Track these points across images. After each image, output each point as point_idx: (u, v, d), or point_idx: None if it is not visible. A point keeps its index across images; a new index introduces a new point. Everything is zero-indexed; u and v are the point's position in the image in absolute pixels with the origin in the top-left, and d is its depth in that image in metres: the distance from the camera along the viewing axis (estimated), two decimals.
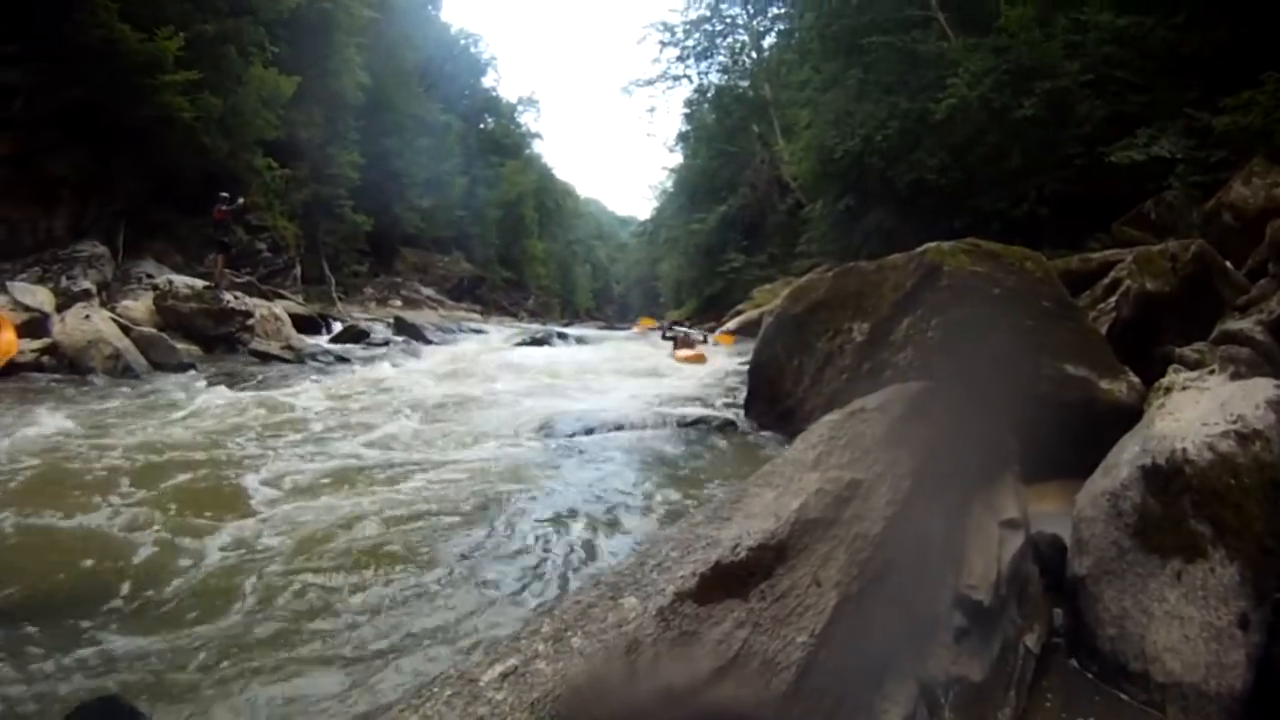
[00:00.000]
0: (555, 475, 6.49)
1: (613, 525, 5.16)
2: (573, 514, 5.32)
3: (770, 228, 36.11)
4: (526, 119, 74.70)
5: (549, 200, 75.12)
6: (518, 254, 63.56)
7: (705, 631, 2.00)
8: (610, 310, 76.35)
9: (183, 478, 5.97)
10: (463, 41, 64.40)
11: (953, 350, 5.95)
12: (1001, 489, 3.40)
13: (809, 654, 2.10)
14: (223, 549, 4.44)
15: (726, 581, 2.17)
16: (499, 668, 1.80)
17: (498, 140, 66.76)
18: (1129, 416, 4.52)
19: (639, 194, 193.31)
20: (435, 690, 1.76)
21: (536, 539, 4.80)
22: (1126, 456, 3.39)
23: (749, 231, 38.18)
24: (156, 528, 4.74)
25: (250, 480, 6.03)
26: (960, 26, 19.55)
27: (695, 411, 9.11)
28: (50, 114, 17.12)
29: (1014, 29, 16.90)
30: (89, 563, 4.17)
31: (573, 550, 4.61)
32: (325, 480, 6.17)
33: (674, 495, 5.86)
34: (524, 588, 4.07)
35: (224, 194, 17.97)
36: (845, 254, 18.77)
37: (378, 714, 1.78)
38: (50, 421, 7.59)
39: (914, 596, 2.69)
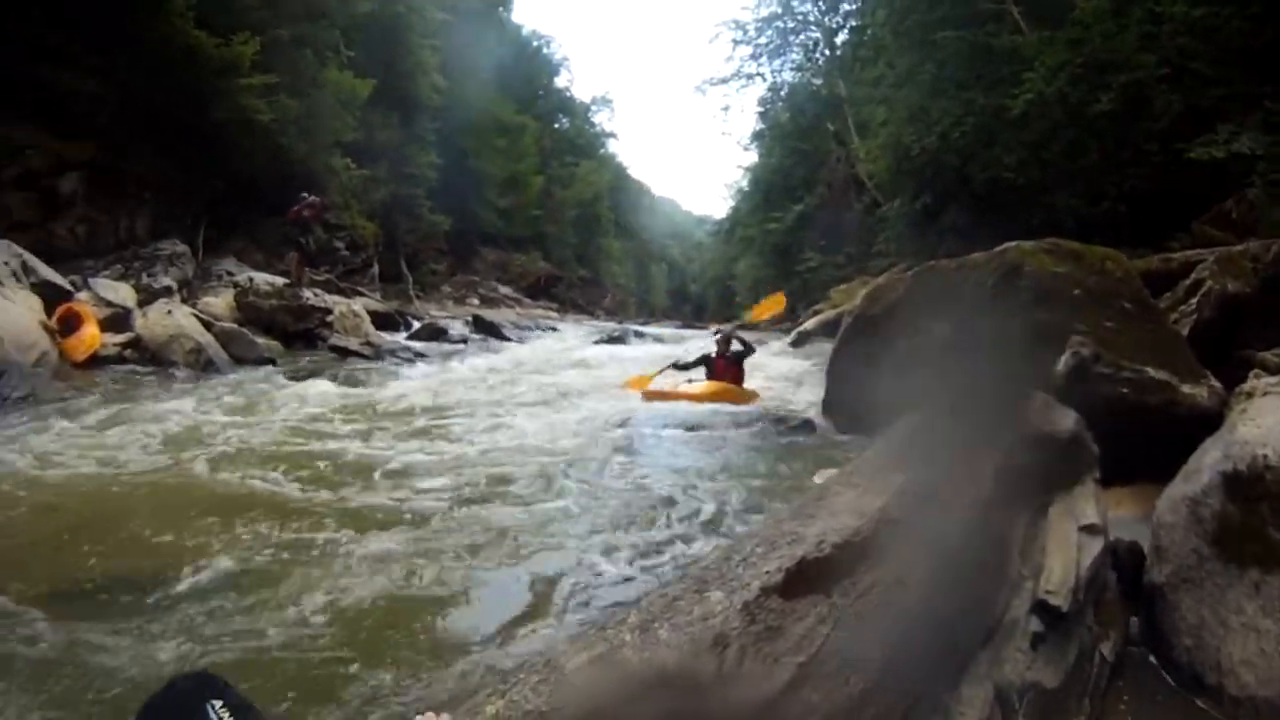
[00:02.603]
0: (636, 472, 6.54)
1: (692, 521, 5.19)
2: (653, 510, 5.38)
3: (847, 227, 35.68)
4: (600, 119, 74.88)
5: (625, 199, 75.29)
6: (594, 253, 63.66)
7: (789, 627, 2.02)
8: (686, 309, 76.18)
9: (268, 462, 6.21)
10: (535, 43, 64.45)
11: (1033, 352, 5.82)
12: (1081, 494, 3.35)
13: (889, 653, 2.10)
14: (308, 530, 4.63)
15: (811, 578, 2.18)
16: (585, 655, 1.84)
17: (572, 140, 66.95)
18: (1210, 421, 4.38)
19: (714, 193, 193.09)
20: (522, 676, 1.80)
21: (619, 535, 4.85)
22: (1208, 462, 3.32)
23: (826, 231, 37.74)
24: (249, 509, 4.94)
25: (334, 464, 6.32)
26: (1033, 19, 18.90)
27: (773, 411, 9.07)
28: (130, 120, 17.51)
29: (1088, 20, 16.30)
30: (172, 540, 4.38)
31: (655, 546, 4.64)
32: (412, 466, 6.39)
33: (752, 494, 5.87)
34: (605, 583, 4.10)
35: (304, 194, 18.36)
36: (922, 254, 18.41)
37: (464, 698, 1.79)
38: (140, 409, 7.94)
39: (993, 600, 2.69)
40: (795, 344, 22.06)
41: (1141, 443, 4.48)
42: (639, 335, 26.30)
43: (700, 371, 10.91)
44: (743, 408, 9.86)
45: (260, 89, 19.64)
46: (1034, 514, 3.12)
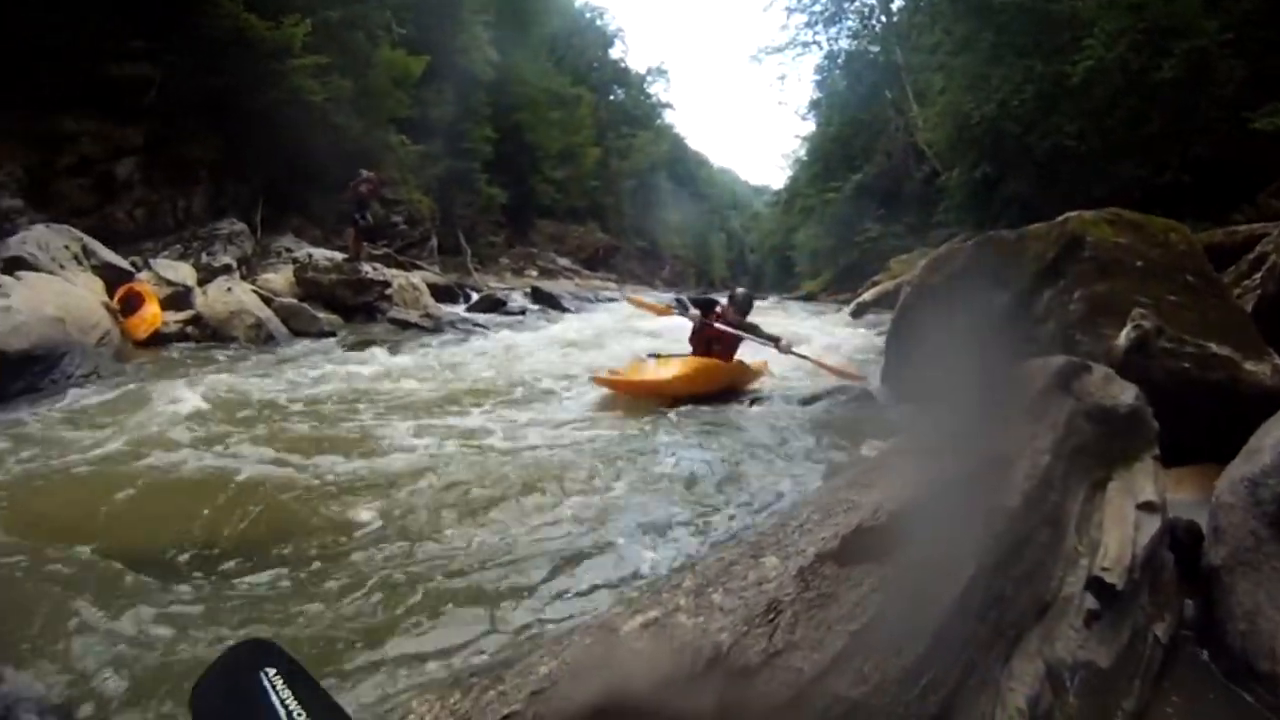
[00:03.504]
0: (694, 440, 6.63)
1: (749, 487, 5.27)
2: (710, 476, 5.48)
3: (906, 196, 35.39)
4: (656, 89, 75.09)
5: (682, 169, 75.28)
6: (652, 223, 63.65)
7: (843, 594, 2.01)
8: (745, 279, 76.17)
9: (330, 429, 6.54)
10: (588, 15, 64.72)
11: (1094, 325, 5.77)
12: (1141, 471, 3.28)
13: (943, 623, 2.09)
14: (368, 499, 4.74)
15: (866, 545, 2.17)
16: (640, 619, 1.85)
17: (628, 111, 67.11)
18: (1273, 400, 4.34)
19: (772, 163, 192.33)
20: (576, 638, 1.83)
21: (676, 499, 4.95)
22: (1269, 441, 3.21)
23: (885, 200, 37.48)
24: (312, 477, 5.13)
25: (391, 431, 6.50)
26: None
27: (832, 381, 9.02)
28: (183, 102, 17.80)
29: None
30: (228, 510, 4.50)
31: (708, 519, 4.65)
32: (470, 433, 6.60)
33: (809, 463, 5.92)
34: (663, 544, 4.16)
35: (361, 171, 18.63)
36: (983, 224, 18.21)
37: (518, 659, 1.81)
38: (198, 384, 8.11)
39: (1048, 574, 2.65)
40: (855, 315, 22.01)
41: (1204, 421, 4.42)
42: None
43: (692, 322, 9.31)
44: (753, 386, 9.22)
45: (313, 69, 19.94)
46: (1091, 489, 3.06)
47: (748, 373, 9.24)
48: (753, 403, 8.34)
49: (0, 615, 3.18)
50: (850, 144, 43.84)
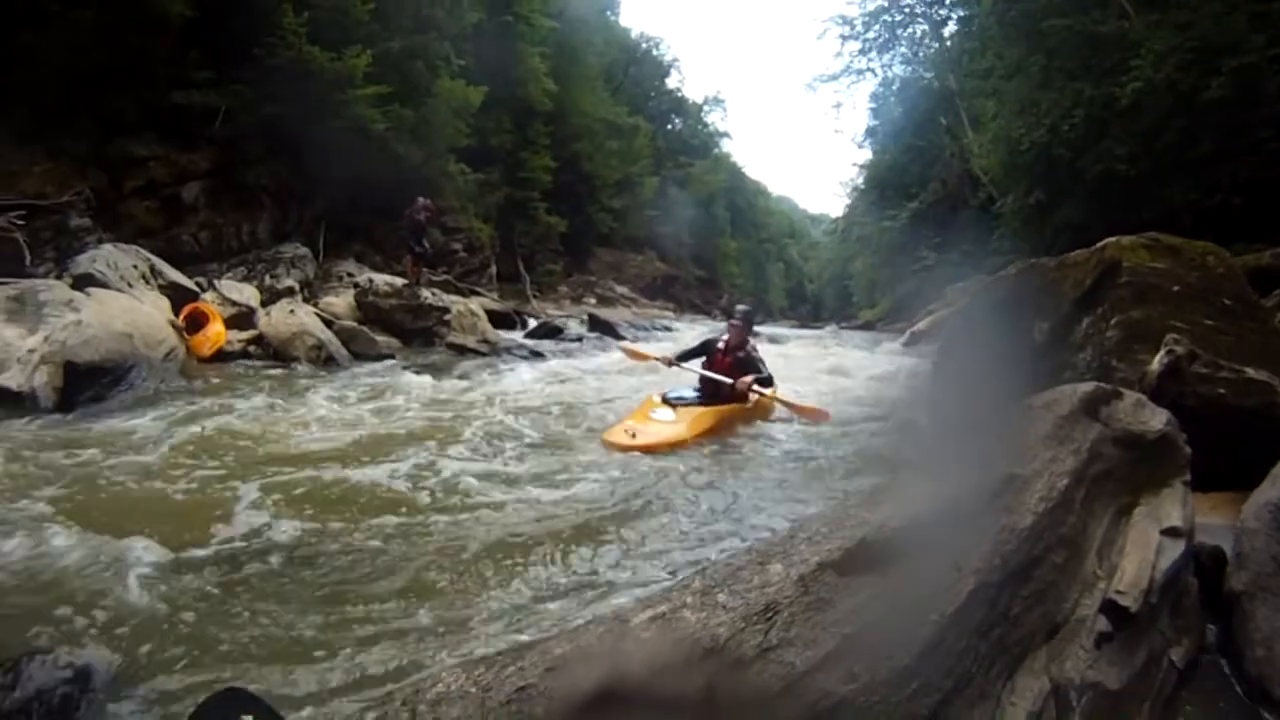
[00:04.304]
0: (726, 473, 6.64)
1: (773, 508, 5.40)
2: (739, 509, 5.48)
3: (962, 224, 34.95)
4: (713, 118, 74.59)
5: (740, 199, 74.92)
6: (710, 252, 63.40)
7: (840, 600, 2.14)
8: (804, 309, 75.62)
9: (380, 444, 6.81)
10: (644, 45, 64.60)
11: (1130, 351, 5.76)
12: (1169, 496, 3.30)
13: (936, 633, 2.18)
14: (406, 506, 5.07)
15: (868, 558, 2.30)
16: (649, 613, 2.03)
17: (686, 140, 67.10)
18: None
19: (830, 191, 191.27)
20: (591, 627, 2.02)
21: (708, 517, 5.14)
22: None
23: (941, 228, 37.07)
24: (362, 485, 5.46)
25: (440, 446, 6.80)
26: (1140, 2, 18.31)
27: (877, 409, 9.03)
28: (248, 130, 18.36)
29: (1195, 2, 15.75)
30: (274, 515, 4.75)
31: (737, 527, 4.91)
32: (525, 453, 6.85)
33: (843, 486, 6.01)
34: (682, 554, 4.38)
35: (418, 198, 18.86)
36: (1037, 250, 17.95)
37: (539, 643, 2.00)
38: (263, 399, 8.55)
39: (1060, 595, 2.70)
40: (908, 344, 21.81)
41: (1240, 446, 4.36)
42: (754, 335, 26.25)
43: (697, 363, 8.76)
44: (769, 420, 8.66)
45: (374, 99, 20.41)
46: (1117, 514, 3.12)
47: (760, 409, 8.71)
48: (782, 435, 8.32)
49: (68, 600, 3.43)
50: (906, 171, 43.47)
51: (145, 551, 4.02)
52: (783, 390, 9.04)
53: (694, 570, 2.46)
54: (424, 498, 5.25)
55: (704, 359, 8.68)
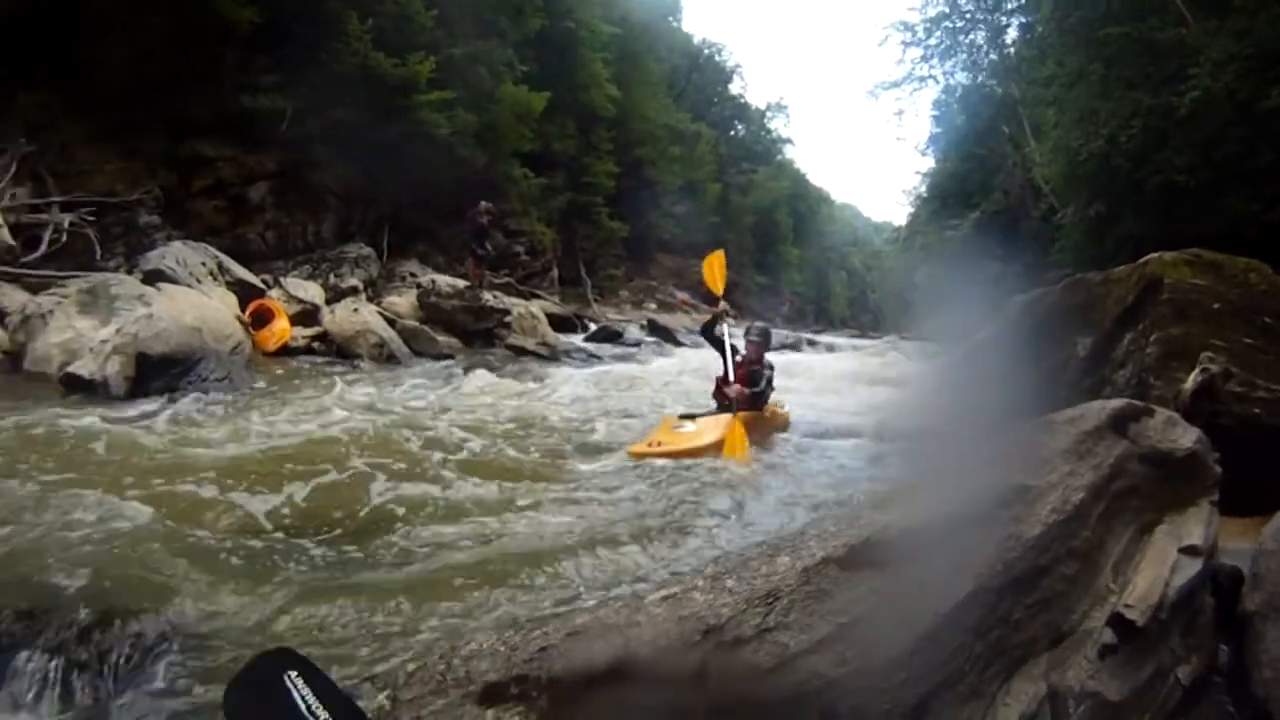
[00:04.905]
0: (780, 473, 6.90)
1: (785, 512, 5.50)
2: (777, 508, 5.67)
3: (1025, 235, 34.37)
4: (776, 124, 73.96)
5: (803, 205, 74.26)
6: (772, 260, 62.97)
7: (839, 592, 2.30)
8: (865, 318, 74.85)
9: (436, 437, 7.18)
10: (706, 51, 64.18)
11: (1167, 368, 5.76)
12: (1193, 515, 3.33)
13: (929, 628, 2.31)
14: (461, 502, 5.33)
15: (872, 555, 2.43)
16: (663, 592, 2.26)
17: (749, 147, 66.73)
18: None
19: (893, 199, 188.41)
20: (611, 603, 2.28)
21: (744, 525, 5.18)
22: None
23: (1003, 239, 36.52)
24: (422, 473, 5.90)
25: (491, 443, 7.18)
26: (1198, 8, 17.54)
27: (923, 423, 9.07)
28: (315, 132, 18.71)
29: (1253, 8, 15.17)
30: (328, 500, 5.13)
31: (748, 532, 4.96)
32: (581, 449, 7.28)
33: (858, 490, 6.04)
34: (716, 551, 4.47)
35: (481, 201, 19.22)
36: (1097, 263, 17.44)
37: (563, 615, 2.40)
38: (326, 393, 9.05)
39: (1068, 605, 2.76)
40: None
41: (1276, 467, 4.38)
42: (811, 344, 26.24)
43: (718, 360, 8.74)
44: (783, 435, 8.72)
45: (438, 104, 20.77)
46: (1139, 531, 3.15)
47: (777, 420, 8.91)
48: (845, 435, 8.54)
49: (132, 570, 3.74)
50: (968, 180, 42.65)
51: (206, 530, 4.42)
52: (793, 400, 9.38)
53: (711, 561, 2.68)
54: (455, 493, 5.51)
55: (723, 364, 8.63)
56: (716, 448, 7.31)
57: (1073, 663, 2.66)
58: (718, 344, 8.68)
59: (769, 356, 8.92)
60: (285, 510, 4.89)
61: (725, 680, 2.04)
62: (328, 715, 1.46)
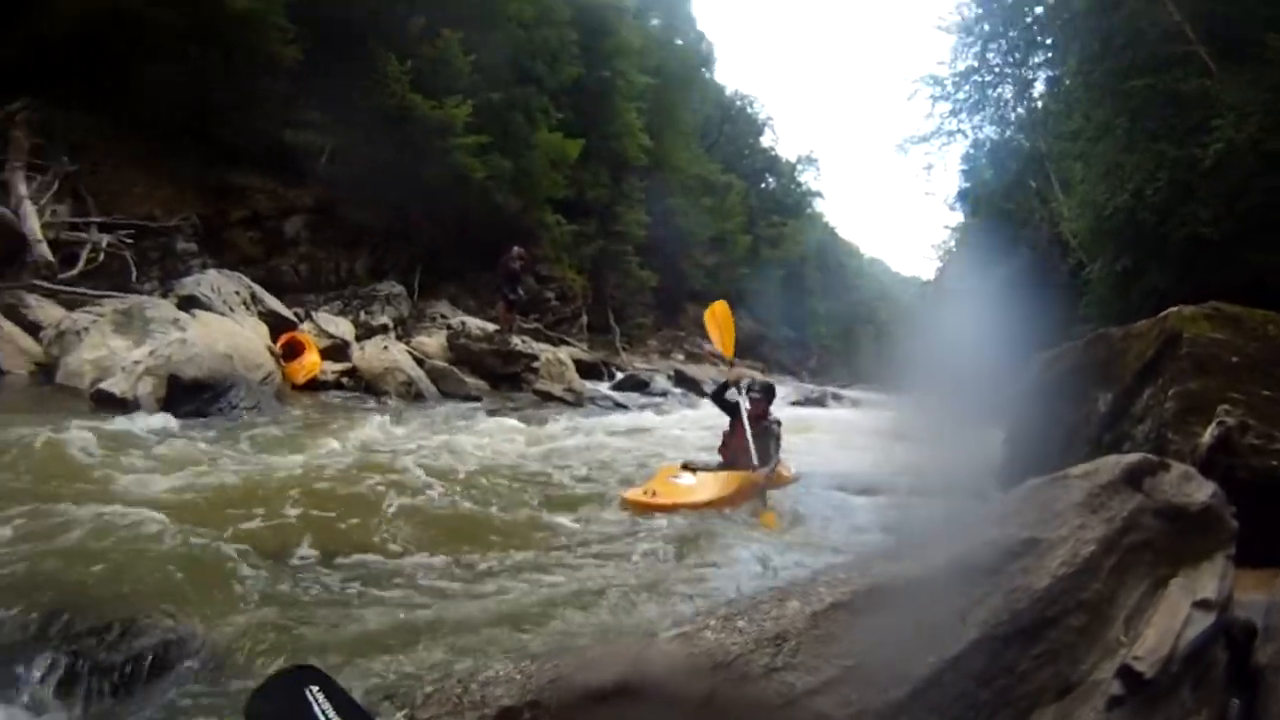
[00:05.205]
0: (800, 526, 7.00)
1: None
2: (790, 558, 5.75)
3: (1053, 289, 34.23)
4: (806, 177, 74.04)
5: (831, 259, 74.30)
6: (801, 313, 62.45)
7: (846, 636, 2.36)
8: (892, 374, 74.13)
9: (458, 477, 7.34)
10: (739, 103, 64.98)
11: (1185, 423, 5.73)
12: (1208, 569, 3.31)
13: (932, 673, 2.36)
14: (474, 539, 5.59)
15: (880, 602, 2.50)
16: (676, 630, 2.35)
17: (779, 199, 66.71)
18: None
19: (921, 254, 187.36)
20: (625, 638, 2.50)
21: (757, 573, 5.28)
22: None
23: (1032, 293, 36.22)
24: (440, 512, 6.14)
25: (514, 484, 7.42)
26: (1222, 57, 17.47)
27: (946, 480, 9.07)
28: (352, 170, 19.13)
29: (1277, 58, 14.97)
30: (351, 523, 5.45)
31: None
32: (602, 495, 7.41)
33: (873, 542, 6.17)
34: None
35: (514, 247, 19.39)
36: (1124, 318, 17.20)
37: (578, 648, 2.47)
38: (353, 427, 9.16)
39: (1076, 657, 2.75)
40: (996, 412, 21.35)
41: None
42: (837, 399, 26.20)
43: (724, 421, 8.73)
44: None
45: (474, 148, 21.09)
46: (1153, 585, 3.14)
47: (781, 481, 8.58)
48: (867, 490, 8.51)
49: (166, 579, 3.97)
50: (997, 235, 42.63)
51: (234, 547, 4.57)
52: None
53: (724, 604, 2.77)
54: (473, 530, 5.79)
55: (730, 420, 8.62)
56: (711, 505, 7.26)
57: (1080, 715, 2.64)
58: (730, 409, 8.62)
59: (777, 413, 8.92)
60: (310, 534, 5.08)
61: (732, 710, 2.12)
62: None
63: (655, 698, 2.07)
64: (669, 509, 7.05)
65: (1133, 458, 3.50)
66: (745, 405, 8.55)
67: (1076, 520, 3.04)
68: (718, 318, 10.09)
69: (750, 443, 8.14)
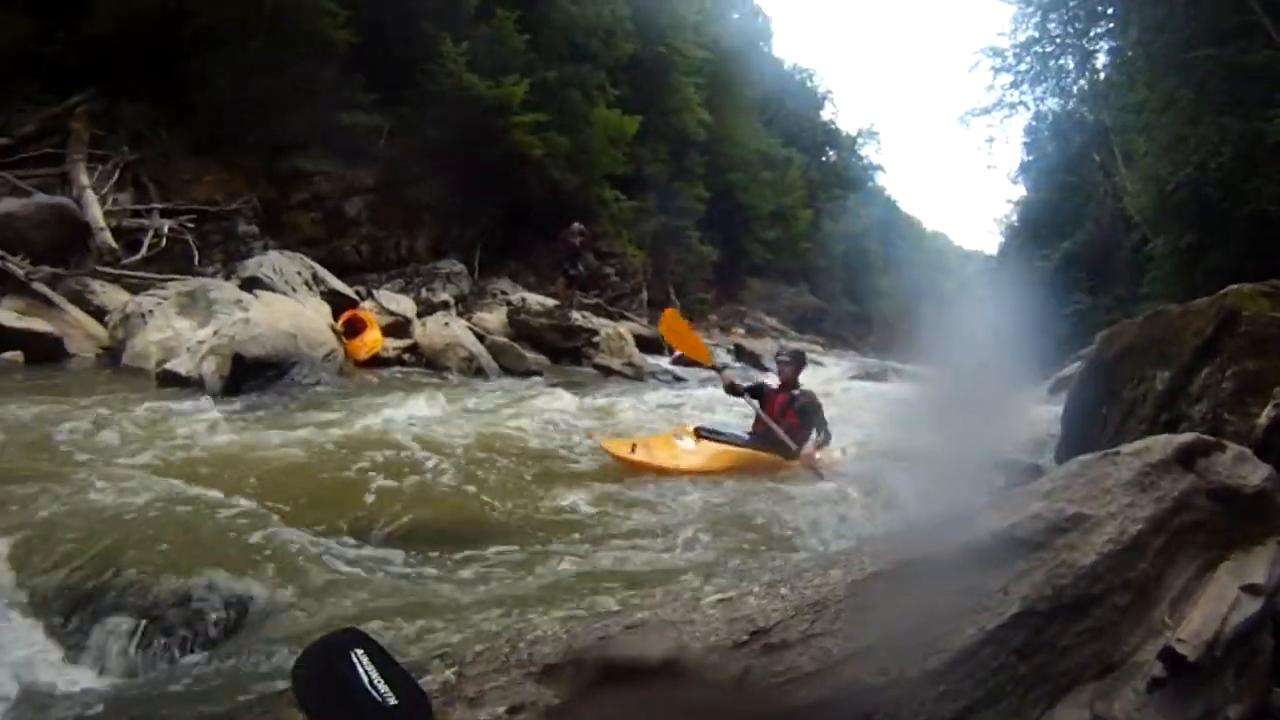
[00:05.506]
0: (850, 502, 6.88)
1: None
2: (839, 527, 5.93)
3: (1116, 266, 33.63)
4: (867, 151, 73.37)
5: (894, 233, 73.62)
6: (863, 288, 62.25)
7: (885, 605, 2.40)
8: (954, 349, 73.28)
9: (519, 448, 7.58)
10: (798, 76, 64.69)
11: (1243, 404, 5.62)
12: (1258, 554, 3.26)
13: (971, 644, 2.39)
14: (529, 512, 5.63)
15: (918, 573, 2.54)
16: (718, 596, 2.40)
17: (840, 173, 66.26)
18: None
19: (983, 228, 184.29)
20: (670, 601, 2.41)
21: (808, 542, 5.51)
22: None
23: (1094, 270, 35.75)
24: (504, 481, 6.30)
25: (569, 457, 7.56)
26: None
27: (1002, 456, 9.03)
28: (411, 150, 19.44)
29: None
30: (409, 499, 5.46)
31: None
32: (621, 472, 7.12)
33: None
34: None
35: (574, 224, 19.38)
36: (1188, 296, 16.69)
37: (624, 610, 2.48)
38: (414, 402, 9.23)
39: (1119, 637, 2.75)
40: (1053, 390, 21.12)
41: None
42: (897, 373, 26.05)
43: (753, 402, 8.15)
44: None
45: (531, 126, 21.26)
46: (1203, 567, 3.11)
47: (814, 461, 7.68)
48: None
49: (229, 545, 4.17)
50: (1059, 209, 41.64)
51: (295, 518, 4.73)
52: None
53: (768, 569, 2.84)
54: (530, 498, 5.92)
55: (759, 401, 8.12)
56: (695, 474, 7.07)
57: (1120, 694, 2.62)
58: (753, 392, 8.35)
59: (809, 386, 8.62)
60: (368, 505, 5.24)
61: (763, 682, 2.16)
62: (389, 690, 1.59)
63: (693, 671, 2.13)
64: (645, 468, 6.97)
65: (1186, 437, 3.51)
66: (773, 378, 8.50)
67: (1126, 498, 3.03)
68: (672, 329, 9.86)
69: (772, 422, 7.78)
